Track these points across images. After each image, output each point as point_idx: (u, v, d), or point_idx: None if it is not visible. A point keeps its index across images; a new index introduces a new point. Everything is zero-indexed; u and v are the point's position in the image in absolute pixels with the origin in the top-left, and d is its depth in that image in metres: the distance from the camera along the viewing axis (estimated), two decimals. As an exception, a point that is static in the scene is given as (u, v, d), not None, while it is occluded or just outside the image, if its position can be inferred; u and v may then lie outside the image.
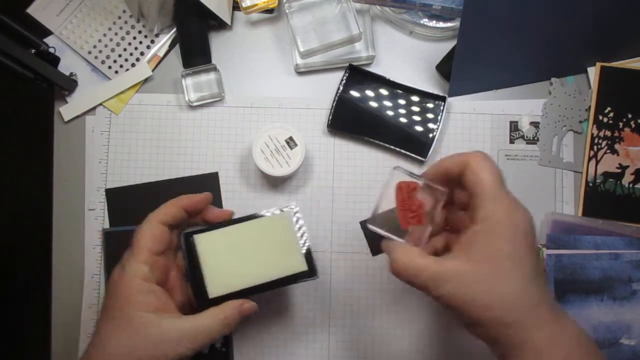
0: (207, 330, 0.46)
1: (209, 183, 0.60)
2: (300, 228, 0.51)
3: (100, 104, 0.62)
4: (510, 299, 0.39)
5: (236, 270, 0.49)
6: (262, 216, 0.51)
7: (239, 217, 0.51)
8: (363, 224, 0.60)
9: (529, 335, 0.38)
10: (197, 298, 0.48)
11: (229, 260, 0.50)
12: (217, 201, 0.59)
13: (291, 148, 0.57)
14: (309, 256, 0.50)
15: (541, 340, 0.38)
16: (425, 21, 0.62)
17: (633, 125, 0.60)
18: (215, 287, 0.49)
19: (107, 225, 0.60)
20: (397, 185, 0.45)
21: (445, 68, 0.61)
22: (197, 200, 0.50)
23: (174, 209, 0.49)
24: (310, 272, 0.50)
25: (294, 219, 0.51)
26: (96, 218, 0.60)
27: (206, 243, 0.50)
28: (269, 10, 0.62)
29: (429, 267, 0.41)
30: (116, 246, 0.59)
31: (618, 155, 0.60)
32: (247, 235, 0.50)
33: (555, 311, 0.40)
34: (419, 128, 0.60)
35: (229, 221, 0.51)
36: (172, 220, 0.49)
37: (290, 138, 0.57)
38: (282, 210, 0.51)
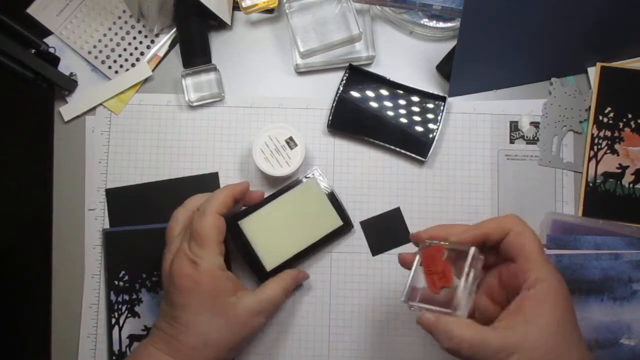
0: (275, 298, 0.52)
1: (209, 183, 0.60)
2: (328, 187, 0.58)
3: (100, 104, 0.62)
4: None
5: (282, 242, 0.57)
6: (290, 189, 0.57)
7: (270, 195, 0.57)
8: (363, 224, 0.60)
9: None
10: (256, 274, 0.57)
11: (274, 235, 0.57)
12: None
13: (291, 148, 0.57)
14: (340, 212, 0.58)
15: None
16: (425, 21, 0.62)
17: (633, 125, 0.60)
18: (269, 261, 0.57)
19: (107, 225, 0.60)
20: (422, 252, 0.44)
21: (445, 68, 0.61)
22: (245, 189, 0.54)
23: (228, 200, 0.52)
24: (345, 225, 0.58)
25: (319, 182, 0.58)
26: (96, 218, 0.60)
27: (250, 226, 0.57)
28: (269, 10, 0.62)
29: (489, 340, 0.38)
30: (116, 247, 0.59)
31: (618, 155, 0.60)
32: (282, 209, 0.57)
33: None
34: (419, 128, 0.60)
35: (262, 202, 0.57)
36: (226, 211, 0.52)
37: (290, 138, 0.57)
38: (307, 177, 0.58)
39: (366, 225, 0.60)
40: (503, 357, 0.38)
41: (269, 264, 0.57)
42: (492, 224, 0.43)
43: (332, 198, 0.58)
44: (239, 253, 0.57)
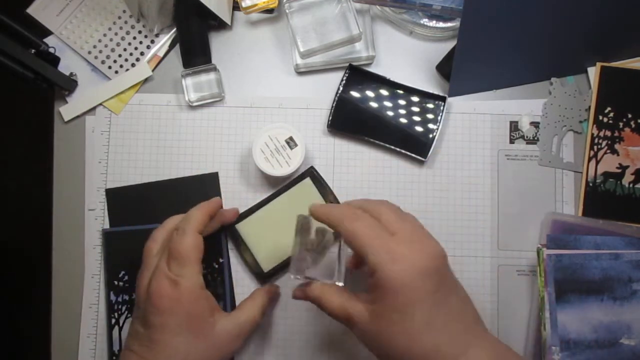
0: (252, 319, 0.52)
1: (209, 183, 0.60)
2: (322, 185, 0.58)
3: (100, 104, 0.62)
4: (403, 352, 0.42)
5: (279, 243, 0.57)
6: (285, 190, 0.58)
7: (266, 197, 0.59)
8: None
9: None
10: (255, 275, 0.58)
11: (271, 237, 0.58)
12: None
13: (291, 148, 0.57)
14: None
15: None
16: (425, 21, 0.62)
17: (633, 125, 0.60)
18: (266, 263, 0.58)
19: (107, 225, 0.60)
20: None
21: (445, 68, 0.61)
22: (218, 204, 0.55)
23: (205, 218, 0.52)
24: None
25: (314, 180, 0.58)
26: (96, 218, 0.60)
27: (247, 228, 0.58)
28: (269, 10, 0.62)
29: (341, 307, 0.45)
30: (116, 247, 0.59)
31: (618, 155, 0.60)
32: (278, 211, 0.58)
33: (460, 344, 0.42)
34: (419, 128, 0.60)
35: (259, 204, 0.58)
36: (203, 228, 0.52)
37: (290, 138, 0.57)
38: (300, 177, 0.58)
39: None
40: (348, 326, 0.45)
41: (267, 265, 0.58)
42: (334, 213, 0.47)
43: (328, 197, 0.58)
44: (237, 255, 0.58)
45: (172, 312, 0.47)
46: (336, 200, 0.59)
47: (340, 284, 0.48)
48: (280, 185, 0.59)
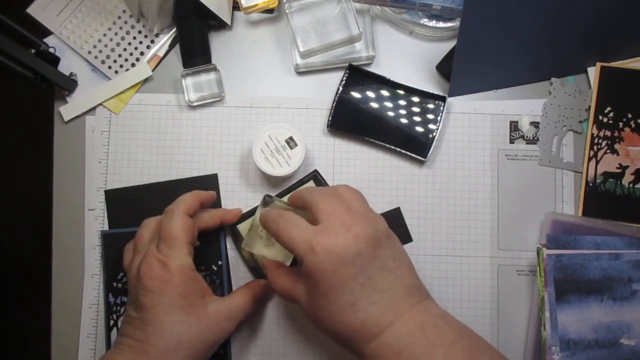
0: (244, 306, 0.53)
1: (208, 184, 0.60)
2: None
3: (100, 104, 0.62)
4: (333, 330, 0.46)
5: (279, 245, 0.55)
6: (287, 193, 0.58)
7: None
8: None
9: (360, 351, 0.45)
10: (254, 276, 0.58)
11: (272, 239, 0.55)
12: (216, 201, 0.60)
13: (291, 148, 0.57)
14: None
15: (371, 350, 0.44)
16: (425, 21, 0.62)
17: (633, 125, 0.60)
18: None
19: (106, 226, 0.60)
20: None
21: (445, 68, 0.61)
22: (212, 197, 0.56)
23: (194, 202, 0.53)
24: None
25: (317, 183, 0.59)
26: (96, 218, 0.60)
27: (248, 228, 0.56)
28: (269, 10, 0.62)
29: (288, 287, 0.49)
30: (114, 248, 0.59)
31: (618, 155, 0.60)
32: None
33: (385, 319, 0.44)
34: (419, 128, 0.60)
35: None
36: (193, 212, 0.53)
37: (291, 138, 0.57)
38: (304, 180, 0.59)
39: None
40: (295, 304, 0.49)
41: None
42: (264, 216, 0.51)
43: None
44: (237, 257, 0.59)
45: (163, 292, 0.48)
46: None
47: (287, 264, 0.52)
48: (283, 187, 0.59)
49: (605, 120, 0.60)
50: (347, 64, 0.61)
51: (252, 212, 0.59)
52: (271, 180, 0.60)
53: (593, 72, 0.61)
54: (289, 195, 0.54)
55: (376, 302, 0.44)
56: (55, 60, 0.61)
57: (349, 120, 0.60)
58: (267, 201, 0.54)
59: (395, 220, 0.59)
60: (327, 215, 0.46)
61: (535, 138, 0.61)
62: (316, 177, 0.59)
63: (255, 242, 0.54)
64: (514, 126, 0.61)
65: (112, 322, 0.58)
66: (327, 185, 0.59)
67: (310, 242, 0.45)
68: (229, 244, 0.60)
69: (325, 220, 0.46)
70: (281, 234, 0.47)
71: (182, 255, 0.50)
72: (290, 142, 0.57)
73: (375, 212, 0.49)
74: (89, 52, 0.62)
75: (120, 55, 0.62)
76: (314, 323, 0.48)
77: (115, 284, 0.59)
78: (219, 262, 0.59)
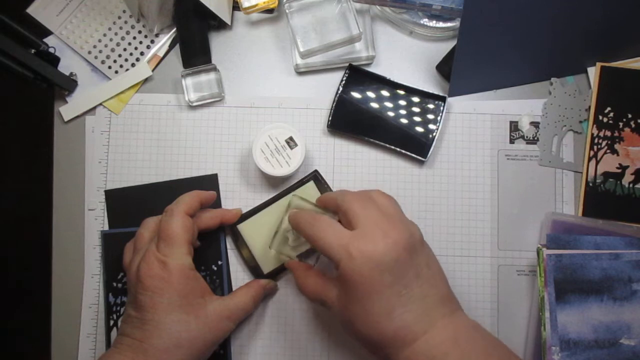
0: (243, 306, 0.53)
1: (208, 184, 0.60)
2: (325, 188, 0.58)
3: (100, 104, 0.62)
4: (367, 337, 0.45)
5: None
6: (288, 193, 0.58)
7: (269, 199, 0.59)
8: None
9: (392, 358, 0.45)
10: (254, 275, 0.58)
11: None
12: (216, 201, 0.60)
13: (291, 148, 0.57)
14: None
15: (404, 358, 0.44)
16: (425, 21, 0.62)
17: (633, 125, 0.60)
18: (266, 264, 0.58)
19: (107, 226, 0.60)
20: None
21: (445, 68, 0.61)
22: (212, 197, 0.56)
23: (194, 202, 0.53)
24: None
25: (317, 183, 0.59)
26: (96, 218, 0.60)
27: (249, 229, 0.58)
28: (269, 10, 0.62)
29: (318, 291, 0.49)
30: (115, 248, 0.59)
31: (618, 155, 0.60)
32: (281, 212, 0.57)
33: (420, 327, 0.44)
34: (419, 128, 0.60)
35: (261, 206, 0.58)
36: (193, 212, 0.53)
37: (291, 138, 0.57)
38: (304, 181, 0.59)
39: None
40: (325, 308, 0.49)
41: (266, 267, 0.58)
42: (298, 217, 0.50)
43: None
44: (237, 257, 0.59)
45: (163, 291, 0.48)
46: None
47: (311, 263, 0.53)
48: (283, 187, 0.59)
49: (605, 120, 0.60)
50: (347, 64, 0.61)
51: (252, 212, 0.59)
52: (271, 181, 0.60)
53: (593, 72, 0.61)
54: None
55: (411, 310, 0.44)
56: (55, 60, 0.61)
57: (349, 120, 0.60)
58: (294, 202, 0.53)
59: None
60: (364, 219, 0.46)
61: (535, 138, 0.61)
62: (316, 177, 0.59)
63: (281, 244, 0.55)
64: (514, 126, 0.61)
65: (112, 322, 0.58)
66: (328, 185, 0.59)
67: (347, 246, 0.44)
68: (229, 244, 0.60)
69: (362, 225, 0.46)
70: (316, 238, 0.47)
71: (182, 254, 0.50)
72: (291, 142, 0.57)
73: (408, 219, 0.49)
74: (89, 52, 0.62)
75: (120, 55, 0.62)
76: (345, 327, 0.47)
77: (115, 284, 0.59)
78: (219, 262, 0.59)
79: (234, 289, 0.59)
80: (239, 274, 0.59)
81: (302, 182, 0.59)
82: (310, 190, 0.59)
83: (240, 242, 0.58)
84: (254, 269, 0.58)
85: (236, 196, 0.60)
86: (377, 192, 0.50)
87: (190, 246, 0.51)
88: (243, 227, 0.58)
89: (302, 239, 0.54)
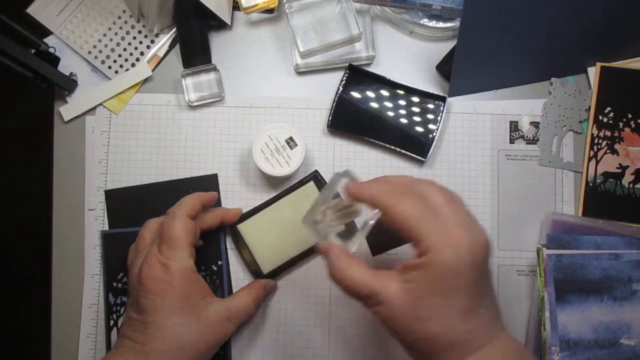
0: (245, 307, 0.53)
1: (208, 184, 0.60)
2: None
3: (100, 104, 0.62)
4: (436, 336, 0.40)
5: (279, 246, 0.58)
6: (288, 193, 0.58)
7: (269, 199, 0.59)
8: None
9: None
10: (254, 275, 0.58)
11: (271, 239, 0.58)
12: (217, 202, 0.59)
13: (291, 148, 0.57)
14: None
15: None
16: (425, 21, 0.62)
17: (633, 125, 0.60)
18: (266, 264, 0.58)
19: (107, 226, 0.60)
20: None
21: (445, 68, 0.61)
22: (214, 198, 0.56)
23: (197, 204, 0.53)
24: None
25: (317, 184, 0.58)
26: (96, 218, 0.60)
27: (249, 229, 0.58)
28: (269, 10, 0.62)
29: (366, 282, 0.42)
30: (115, 248, 0.59)
31: (618, 155, 0.60)
32: (280, 213, 0.58)
33: (489, 336, 0.41)
34: (419, 128, 0.60)
35: (261, 206, 0.58)
36: (195, 214, 0.53)
37: (291, 138, 0.57)
38: (304, 181, 0.58)
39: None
40: (375, 303, 0.41)
41: (266, 267, 0.58)
42: (376, 192, 0.44)
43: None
44: (237, 257, 0.59)
45: (164, 293, 0.48)
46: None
47: (353, 250, 0.46)
48: (283, 187, 0.59)
49: (605, 120, 0.60)
50: (347, 64, 0.61)
51: (252, 212, 0.59)
52: (271, 181, 0.60)
53: (593, 72, 0.61)
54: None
55: (482, 316, 0.41)
56: (55, 60, 0.61)
57: (349, 120, 0.60)
58: (350, 173, 0.48)
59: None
60: (452, 212, 0.41)
61: (535, 138, 0.61)
62: (316, 177, 0.59)
63: (317, 221, 0.48)
64: (514, 126, 0.61)
65: (112, 322, 0.58)
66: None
67: (446, 234, 0.40)
68: (229, 244, 0.60)
69: (451, 216, 0.41)
70: (407, 218, 0.41)
71: (184, 257, 0.50)
72: (290, 142, 0.57)
73: None
74: (89, 52, 0.62)
75: (120, 55, 0.62)
76: (401, 325, 0.41)
77: (115, 284, 0.59)
78: (219, 262, 0.59)
79: (234, 289, 0.59)
80: (239, 274, 0.59)
81: (302, 182, 0.59)
82: (310, 191, 0.59)
83: (240, 243, 0.58)
84: (254, 268, 0.58)
85: (236, 196, 0.60)
86: (452, 192, 0.45)
87: (192, 248, 0.51)
88: (243, 227, 0.58)
89: (344, 218, 0.48)
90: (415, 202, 0.41)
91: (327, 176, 0.60)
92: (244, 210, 0.59)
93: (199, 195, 0.54)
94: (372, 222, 0.45)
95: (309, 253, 0.58)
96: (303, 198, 0.58)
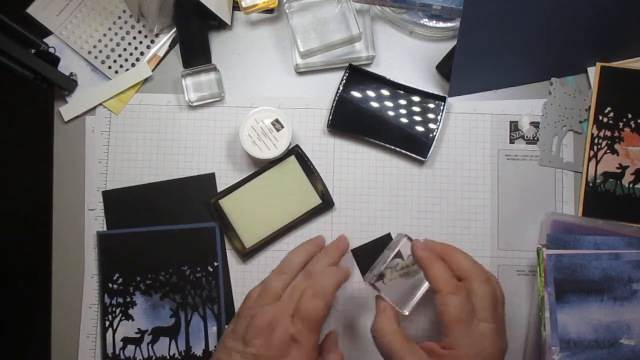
0: None
1: (206, 183, 0.60)
2: (306, 164, 0.59)
3: (100, 104, 0.62)
4: None
5: (262, 220, 0.58)
6: (269, 167, 0.59)
7: (252, 173, 0.59)
8: (355, 251, 0.59)
9: None
10: (237, 251, 0.59)
11: (254, 214, 0.59)
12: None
13: (277, 130, 0.57)
14: (323, 189, 0.59)
15: None
16: (425, 21, 0.62)
17: (633, 125, 0.60)
18: (248, 239, 0.58)
19: (106, 226, 0.60)
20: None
21: (445, 68, 0.61)
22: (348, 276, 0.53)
23: (341, 283, 0.51)
24: (325, 203, 0.59)
25: (299, 158, 0.59)
26: (96, 218, 0.60)
27: (231, 204, 0.59)
28: (269, 10, 0.62)
29: (400, 354, 0.46)
30: (110, 249, 0.59)
31: (618, 155, 0.60)
32: (262, 187, 0.59)
33: None
34: (419, 128, 0.60)
35: (242, 180, 0.59)
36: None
37: (277, 120, 0.57)
38: (287, 154, 0.59)
39: (359, 252, 0.59)
40: None
41: (249, 241, 0.59)
42: (438, 273, 0.48)
43: (312, 176, 0.59)
44: (221, 230, 0.59)
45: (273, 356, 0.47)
46: (321, 181, 0.59)
47: (406, 313, 0.51)
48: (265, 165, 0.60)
49: (605, 120, 0.60)
50: (347, 64, 0.61)
51: (233, 188, 0.59)
52: (258, 164, 0.60)
53: (593, 72, 0.61)
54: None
55: None
56: (55, 60, 0.61)
57: (349, 120, 0.60)
58: (401, 240, 0.53)
59: (385, 246, 0.57)
60: (490, 319, 0.46)
61: (535, 138, 0.61)
62: (298, 152, 0.59)
63: (377, 278, 0.52)
64: (514, 126, 0.61)
65: (107, 323, 0.58)
66: (310, 161, 0.59)
67: (471, 339, 0.45)
68: (227, 245, 0.60)
69: (487, 322, 0.46)
70: (446, 312, 0.46)
71: (315, 339, 0.48)
72: (277, 124, 0.57)
73: None
74: (89, 52, 0.62)
75: (120, 55, 0.62)
76: None
77: (110, 285, 0.59)
78: (215, 264, 0.59)
79: (234, 289, 0.59)
80: (238, 274, 0.59)
81: (284, 157, 0.59)
82: (291, 166, 0.59)
83: (223, 217, 0.59)
84: (236, 243, 0.58)
85: (236, 196, 0.60)
86: (496, 280, 0.50)
87: (320, 329, 0.49)
88: (224, 203, 0.59)
89: (402, 283, 0.52)
90: (461, 301, 0.46)
91: (326, 176, 0.60)
92: (225, 187, 0.59)
93: (343, 275, 0.51)
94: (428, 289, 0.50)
95: (292, 227, 0.59)
96: (284, 172, 0.59)
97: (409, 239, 0.52)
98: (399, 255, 0.52)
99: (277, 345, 0.47)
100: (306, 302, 0.48)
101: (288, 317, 0.48)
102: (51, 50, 0.61)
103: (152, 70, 0.62)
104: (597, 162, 0.60)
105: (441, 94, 0.60)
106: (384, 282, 0.52)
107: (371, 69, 0.62)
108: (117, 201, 0.60)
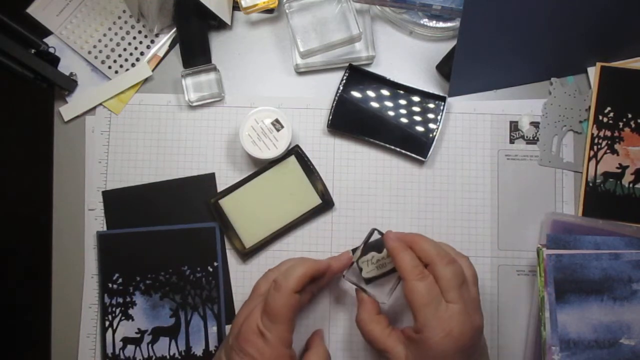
0: None
1: (206, 183, 0.60)
2: (306, 164, 0.59)
3: (100, 104, 0.62)
4: None
5: (262, 220, 0.59)
6: (269, 167, 0.59)
7: (252, 173, 0.59)
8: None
9: None
10: (237, 251, 0.59)
11: (253, 213, 0.59)
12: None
13: (277, 130, 0.57)
14: (323, 189, 0.59)
15: None
16: (425, 21, 0.62)
17: (633, 125, 0.60)
18: (249, 239, 0.59)
19: (106, 226, 0.60)
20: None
21: (445, 68, 0.61)
22: (324, 268, 0.54)
23: (305, 279, 0.51)
24: (325, 204, 0.59)
25: (298, 158, 0.59)
26: (96, 218, 0.60)
27: (231, 204, 0.59)
28: (269, 10, 0.62)
29: (382, 340, 0.50)
30: (110, 249, 0.59)
31: (618, 155, 0.60)
32: (262, 187, 0.59)
33: None
34: (419, 128, 0.60)
35: (243, 180, 0.59)
36: (302, 288, 0.51)
37: (277, 120, 0.57)
38: (285, 156, 0.59)
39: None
40: (382, 355, 0.50)
41: (249, 241, 0.59)
42: (405, 261, 0.50)
43: (312, 176, 0.59)
44: (222, 230, 0.59)
45: (253, 358, 0.48)
46: (321, 181, 0.59)
47: (385, 302, 0.53)
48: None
49: (605, 120, 0.60)
50: (347, 64, 0.61)
51: (233, 188, 0.59)
52: (258, 164, 0.60)
53: (593, 72, 0.61)
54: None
55: None
56: (55, 60, 0.61)
57: (349, 120, 0.60)
58: (374, 234, 0.54)
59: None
60: (458, 299, 0.47)
61: (535, 138, 0.61)
62: (298, 152, 0.59)
63: (356, 272, 0.54)
64: (514, 126, 0.61)
65: (107, 323, 0.58)
66: (310, 161, 0.59)
67: (441, 320, 0.46)
68: (227, 245, 0.60)
69: (456, 303, 0.47)
70: (414, 297, 0.48)
71: (282, 331, 0.49)
72: (277, 124, 0.57)
73: None
74: (89, 52, 0.62)
75: (120, 55, 0.62)
76: None
77: (110, 285, 0.59)
78: (215, 264, 0.59)
79: (233, 289, 0.59)
80: (238, 274, 0.59)
81: (284, 157, 0.59)
82: (291, 166, 0.59)
83: (222, 217, 0.59)
84: (236, 243, 0.58)
85: (236, 196, 0.60)
86: (467, 262, 0.52)
87: (292, 323, 0.50)
88: (224, 203, 0.59)
89: (381, 275, 0.54)
90: (427, 286, 0.48)
91: (326, 176, 0.60)
92: (225, 187, 0.59)
93: (310, 267, 0.51)
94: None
95: (292, 227, 0.59)
96: (284, 172, 0.59)
97: (379, 232, 0.53)
98: (373, 248, 0.54)
99: (244, 337, 0.49)
100: (269, 296, 0.50)
101: (259, 312, 0.50)
102: (51, 50, 0.61)
103: (152, 70, 0.62)
104: (597, 162, 0.60)
105: (441, 94, 0.60)
106: (362, 275, 0.54)
107: (371, 69, 0.62)
108: (117, 201, 0.60)
